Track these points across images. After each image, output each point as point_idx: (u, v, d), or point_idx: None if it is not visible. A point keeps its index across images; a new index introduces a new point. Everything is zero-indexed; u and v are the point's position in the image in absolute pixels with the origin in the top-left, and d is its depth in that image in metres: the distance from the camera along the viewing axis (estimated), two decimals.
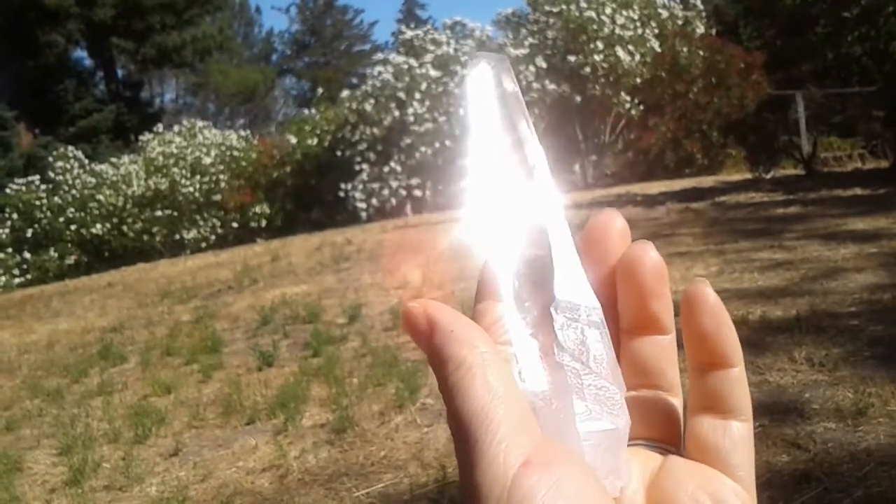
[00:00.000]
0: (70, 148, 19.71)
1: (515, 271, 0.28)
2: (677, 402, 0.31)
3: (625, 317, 0.30)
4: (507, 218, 0.29)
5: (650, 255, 0.29)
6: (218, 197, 18.24)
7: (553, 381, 0.27)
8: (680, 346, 0.30)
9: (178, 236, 17.98)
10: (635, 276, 0.29)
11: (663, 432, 0.30)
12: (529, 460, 0.24)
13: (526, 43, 16.33)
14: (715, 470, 0.28)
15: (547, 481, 0.23)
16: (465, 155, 0.29)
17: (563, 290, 0.28)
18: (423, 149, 15.36)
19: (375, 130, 16.04)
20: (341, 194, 16.11)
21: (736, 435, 0.29)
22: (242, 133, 20.68)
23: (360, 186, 15.93)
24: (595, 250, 0.30)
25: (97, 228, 17.74)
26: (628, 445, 0.28)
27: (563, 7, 16.03)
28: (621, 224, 0.30)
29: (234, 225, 18.32)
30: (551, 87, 15.64)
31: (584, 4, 15.84)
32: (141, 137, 20.05)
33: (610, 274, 0.30)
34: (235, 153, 18.85)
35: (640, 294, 0.29)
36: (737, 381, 0.29)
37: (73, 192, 18.11)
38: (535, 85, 15.24)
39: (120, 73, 33.31)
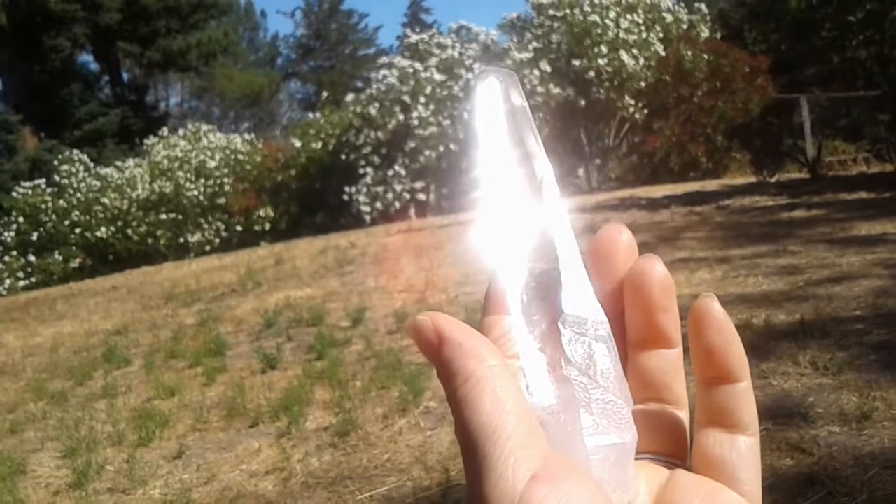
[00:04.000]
0: (75, 151, 19.79)
1: (523, 285, 0.28)
2: (684, 415, 0.31)
3: (632, 331, 0.30)
4: (515, 232, 0.29)
5: (657, 269, 0.29)
6: (222, 200, 18.29)
7: (561, 395, 0.27)
8: (687, 359, 0.30)
9: (182, 239, 18.03)
10: (642, 289, 0.29)
11: (670, 446, 0.30)
12: (538, 475, 0.24)
13: (530, 47, 16.35)
14: (721, 484, 0.28)
15: (555, 496, 0.23)
16: (473, 169, 0.29)
17: (570, 304, 0.28)
18: (427, 152, 15.39)
19: (380, 134, 16.07)
20: (345, 198, 16.14)
21: (743, 449, 0.29)
22: (247, 137, 20.75)
23: (365, 190, 15.96)
24: (602, 264, 0.30)
25: (102, 232, 17.80)
26: (635, 459, 0.28)
27: (568, 11, 16.05)
28: (628, 238, 0.30)
29: (239, 228, 18.36)
30: (556, 90, 15.66)
31: (588, 9, 15.86)
32: (146, 141, 20.13)
33: (617, 288, 0.30)
34: (240, 157, 18.90)
35: (646, 308, 0.29)
36: (743, 395, 0.29)
37: (78, 195, 18.18)
38: (539, 89, 15.26)
39: (125, 76, 33.45)
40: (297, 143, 18.18)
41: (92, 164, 19.29)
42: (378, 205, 15.78)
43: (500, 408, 0.25)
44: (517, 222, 0.29)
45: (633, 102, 15.93)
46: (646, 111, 16.14)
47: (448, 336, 0.27)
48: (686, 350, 0.30)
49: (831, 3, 12.28)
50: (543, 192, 0.29)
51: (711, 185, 13.62)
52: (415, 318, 0.28)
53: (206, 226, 18.32)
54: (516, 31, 18.15)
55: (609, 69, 15.65)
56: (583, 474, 0.25)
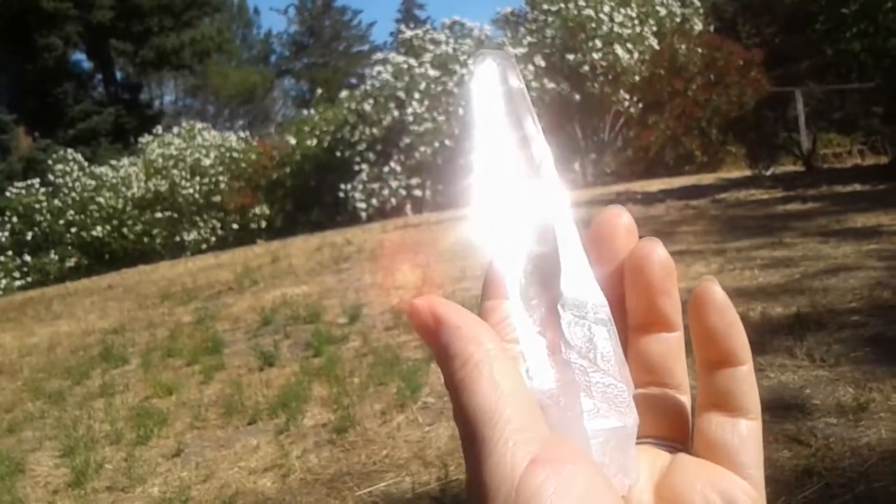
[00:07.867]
0: (69, 150, 19.75)
1: (522, 269, 0.28)
2: (685, 400, 0.31)
3: (632, 314, 0.30)
4: (514, 215, 0.28)
5: (658, 252, 0.29)
6: (218, 198, 18.25)
7: (560, 379, 0.27)
8: (688, 343, 0.30)
9: (178, 238, 18.00)
10: (643, 273, 0.29)
11: (672, 430, 0.30)
12: (537, 458, 0.23)
13: (525, 42, 16.32)
14: (723, 468, 0.28)
15: (555, 480, 0.23)
16: (470, 152, 0.29)
17: (570, 287, 0.27)
18: (422, 148, 15.36)
19: (375, 130, 16.04)
20: (341, 195, 16.10)
21: (744, 433, 0.28)
22: (242, 134, 20.69)
23: (360, 187, 15.93)
24: (602, 247, 0.30)
25: (97, 231, 17.76)
26: (636, 443, 0.27)
27: (562, 5, 16.03)
28: (628, 221, 0.30)
29: (234, 226, 18.33)
30: (550, 85, 15.64)
31: (582, 3, 15.83)
32: (140, 139, 20.09)
33: (617, 271, 0.30)
34: (235, 154, 18.86)
35: (647, 291, 0.29)
36: (745, 379, 0.29)
37: (73, 194, 18.14)
38: (534, 84, 15.23)
39: (119, 75, 33.38)
40: (292, 141, 18.15)
41: (86, 163, 19.25)
42: (374, 201, 15.76)
43: (498, 391, 0.25)
44: (515, 205, 0.28)
45: (627, 96, 15.91)
46: (640, 105, 16.13)
47: (445, 319, 0.27)
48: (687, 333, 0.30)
49: None
50: (541, 174, 0.29)
51: (707, 178, 13.63)
52: (412, 301, 0.27)
53: (201, 224, 18.29)
54: (510, 26, 18.13)
55: (603, 63, 15.63)
56: (583, 458, 0.25)
